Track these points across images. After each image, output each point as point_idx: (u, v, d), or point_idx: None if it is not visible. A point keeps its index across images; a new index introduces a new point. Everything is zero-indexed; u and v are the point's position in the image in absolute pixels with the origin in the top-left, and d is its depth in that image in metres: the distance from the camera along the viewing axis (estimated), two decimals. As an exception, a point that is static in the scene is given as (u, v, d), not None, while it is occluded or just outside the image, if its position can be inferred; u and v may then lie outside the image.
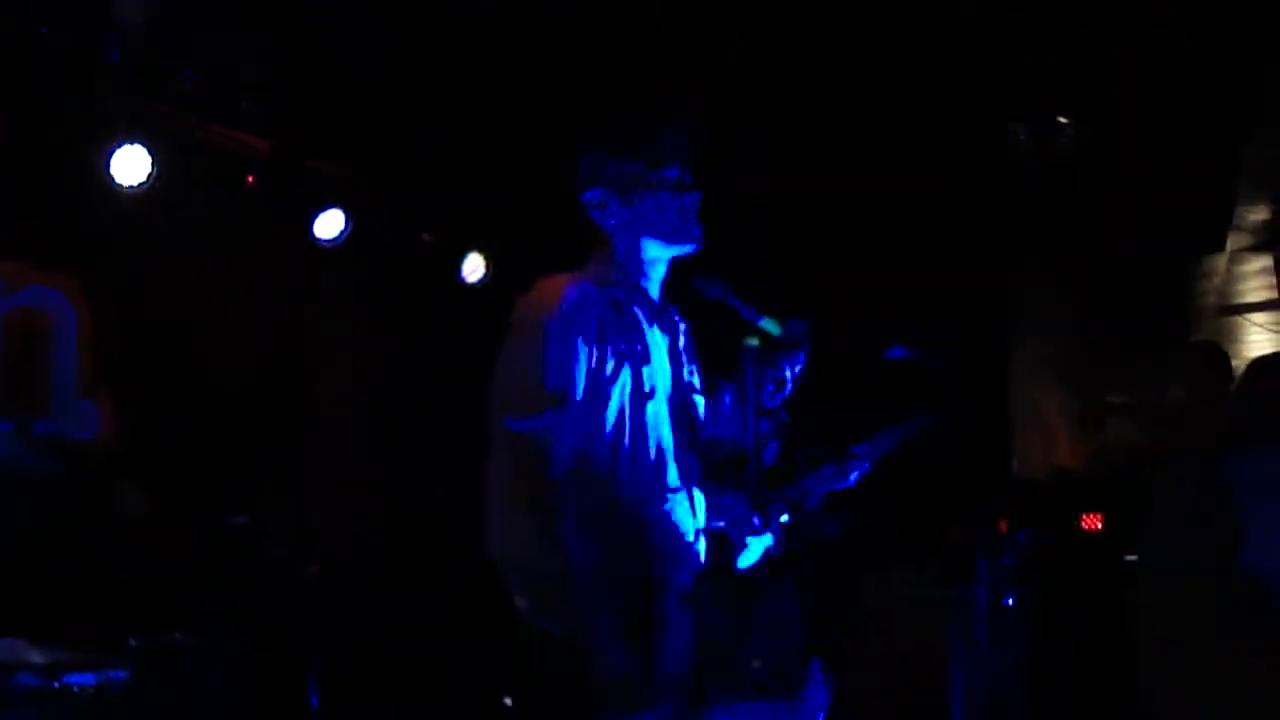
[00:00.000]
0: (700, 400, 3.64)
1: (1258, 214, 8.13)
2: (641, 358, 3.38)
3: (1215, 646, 5.11)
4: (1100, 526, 7.16)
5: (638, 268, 3.52)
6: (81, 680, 5.32)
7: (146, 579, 5.84)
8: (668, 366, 3.49)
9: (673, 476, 3.43)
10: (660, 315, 3.54)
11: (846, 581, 7.04)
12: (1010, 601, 6.09)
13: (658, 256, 3.52)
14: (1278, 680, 4.92)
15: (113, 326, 6.65)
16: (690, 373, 3.60)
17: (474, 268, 7.86)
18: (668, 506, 3.39)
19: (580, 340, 3.28)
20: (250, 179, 6.89)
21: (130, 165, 6.24)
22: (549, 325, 3.28)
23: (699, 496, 3.53)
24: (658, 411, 3.40)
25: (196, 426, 6.71)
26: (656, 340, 3.47)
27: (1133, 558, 6.41)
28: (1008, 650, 6.13)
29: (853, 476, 5.34)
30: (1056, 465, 8.11)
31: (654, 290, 3.55)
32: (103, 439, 6.56)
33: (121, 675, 5.39)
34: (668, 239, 3.48)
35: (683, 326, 3.63)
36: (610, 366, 3.33)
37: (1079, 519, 7.22)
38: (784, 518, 4.79)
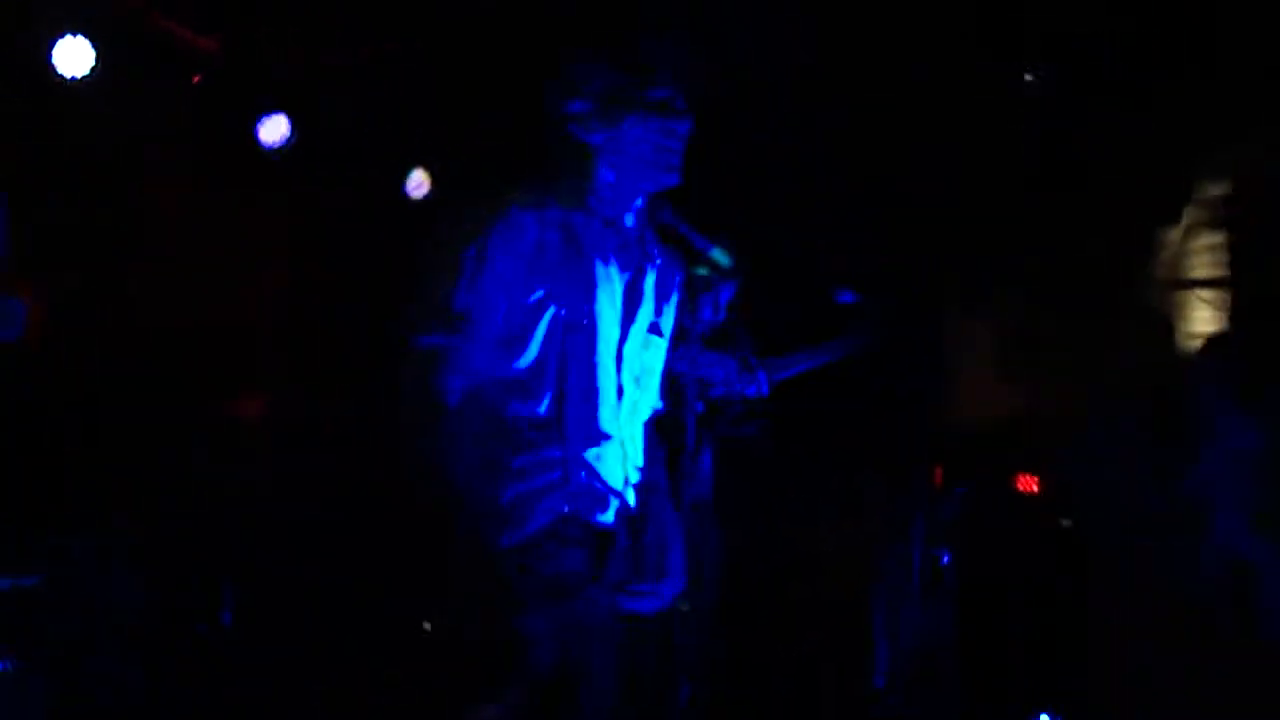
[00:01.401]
0: (661, 340, 3.51)
1: (1214, 189, 8.09)
2: (583, 291, 3.23)
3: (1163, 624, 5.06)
4: (1036, 489, 7.13)
5: (611, 194, 3.36)
6: (-9, 584, 5.24)
7: (62, 483, 5.69)
8: (618, 303, 3.35)
9: (606, 421, 3.30)
10: (627, 248, 3.39)
11: (774, 523, 7.00)
12: (946, 559, 6.03)
13: (634, 186, 3.37)
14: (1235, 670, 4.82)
15: (43, 223, 6.46)
16: (657, 311, 3.47)
17: (418, 183, 7.72)
18: (595, 453, 3.27)
19: (505, 263, 3.15)
20: (196, 78, 6.72)
21: (73, 56, 6.08)
22: (474, 243, 3.16)
23: (637, 444, 3.42)
24: (597, 350, 3.27)
25: (122, 328, 6.56)
26: (610, 275, 3.33)
27: (1068, 522, 6.38)
28: (938, 608, 6.08)
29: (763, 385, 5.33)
30: (992, 424, 8.07)
31: (628, 220, 3.40)
32: (27, 339, 6.39)
33: (32, 581, 5.28)
34: (647, 168, 3.33)
35: (659, 261, 3.48)
36: (539, 295, 3.20)
37: (1014, 479, 7.18)
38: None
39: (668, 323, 3.50)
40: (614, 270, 3.33)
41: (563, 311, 3.20)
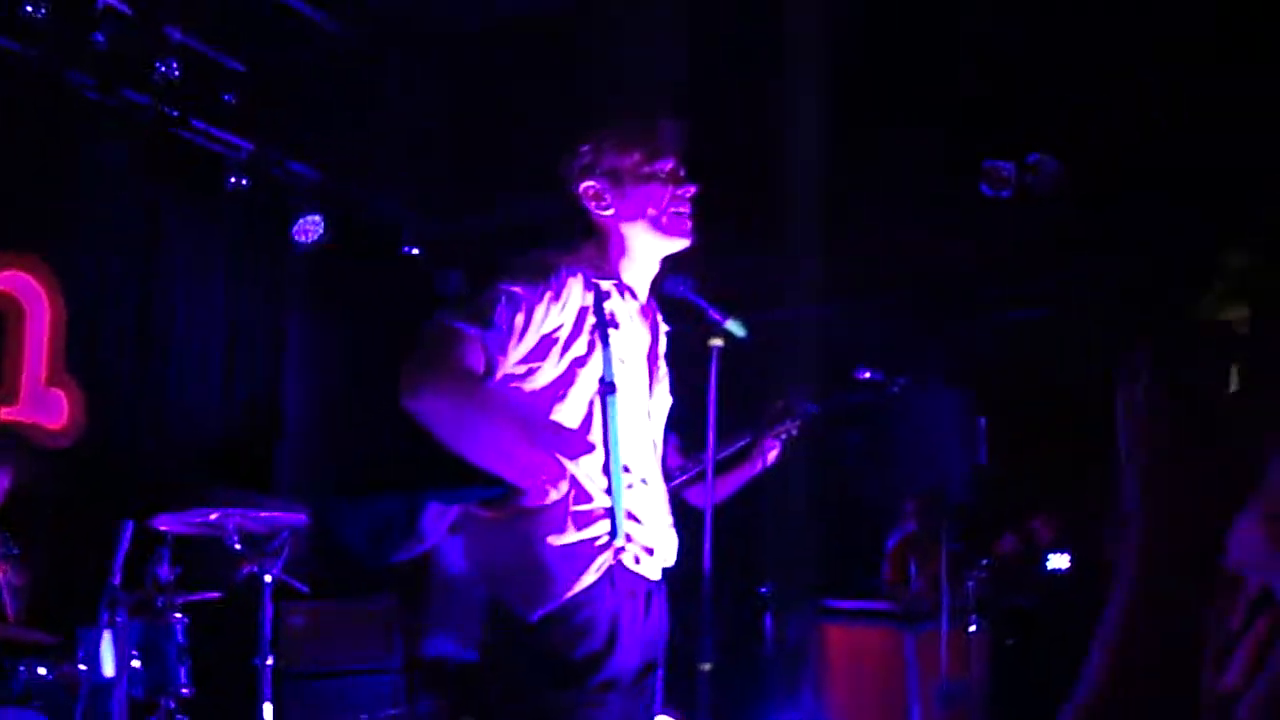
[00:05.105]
0: (666, 405, 3.63)
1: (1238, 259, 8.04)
2: (615, 350, 3.37)
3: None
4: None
5: (629, 261, 3.52)
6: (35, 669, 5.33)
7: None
8: (644, 365, 3.49)
9: (641, 469, 3.41)
10: (645, 314, 3.54)
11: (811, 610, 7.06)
12: (973, 628, 6.07)
13: (649, 251, 3.52)
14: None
15: (84, 317, 6.63)
16: (666, 376, 3.60)
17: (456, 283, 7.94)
18: (637, 500, 3.37)
19: (549, 301, 3.28)
20: (231, 179, 6.91)
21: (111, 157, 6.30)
22: (524, 281, 3.28)
23: (663, 492, 3.52)
24: (627, 407, 3.39)
25: (160, 422, 6.72)
26: (636, 337, 3.47)
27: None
28: (970, 677, 6.10)
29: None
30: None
31: (642, 289, 3.56)
32: (69, 429, 6.53)
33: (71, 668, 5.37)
34: (661, 230, 3.48)
35: (666, 330, 3.63)
36: (584, 344, 3.33)
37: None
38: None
39: (667, 387, 3.62)
40: (638, 334, 3.46)
41: (600, 369, 3.32)
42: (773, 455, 5.35)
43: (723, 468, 5.18)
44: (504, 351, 3.23)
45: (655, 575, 3.43)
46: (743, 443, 5.35)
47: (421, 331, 3.26)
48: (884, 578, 7.52)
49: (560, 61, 6.45)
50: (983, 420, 7.28)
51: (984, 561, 6.21)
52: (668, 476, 3.76)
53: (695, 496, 5.32)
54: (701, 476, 5.26)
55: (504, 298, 3.24)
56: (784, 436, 5.40)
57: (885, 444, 7.75)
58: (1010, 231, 7.44)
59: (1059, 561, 7.14)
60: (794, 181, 7.08)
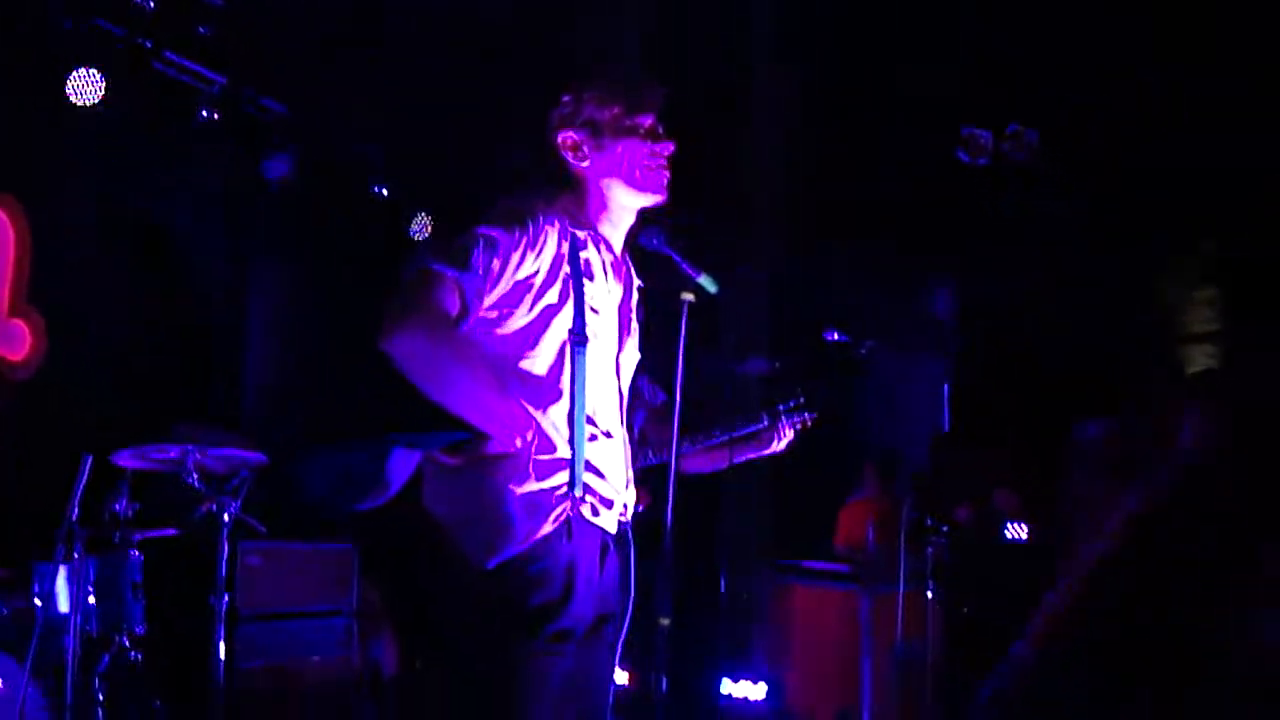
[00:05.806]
0: (635, 360, 3.64)
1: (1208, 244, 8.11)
2: (588, 301, 3.37)
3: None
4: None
5: (604, 214, 3.53)
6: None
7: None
8: (615, 318, 3.49)
9: (605, 422, 3.42)
10: (618, 267, 3.55)
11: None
12: (930, 594, 6.11)
13: (625, 204, 3.55)
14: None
15: (47, 248, 6.57)
16: (638, 329, 3.62)
17: (423, 225, 7.90)
18: (599, 452, 3.38)
19: (525, 247, 3.28)
20: (203, 112, 6.85)
21: (84, 87, 6.21)
22: (501, 227, 3.28)
23: (625, 446, 3.53)
24: (596, 358, 3.39)
25: (123, 355, 6.67)
26: (609, 290, 3.47)
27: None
28: (925, 641, 6.15)
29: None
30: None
31: (617, 241, 3.57)
32: (30, 361, 6.48)
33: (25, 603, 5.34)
34: (636, 185, 3.52)
35: (638, 284, 3.64)
36: (556, 293, 3.33)
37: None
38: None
39: (635, 341, 3.64)
40: (612, 285, 3.47)
41: (572, 318, 3.34)
42: (784, 443, 5.38)
43: (731, 445, 5.24)
44: (480, 296, 3.25)
45: (612, 528, 3.45)
46: (758, 427, 5.40)
47: (400, 274, 3.25)
48: (838, 539, 7.58)
49: (540, 10, 6.43)
50: (946, 386, 7.31)
51: (943, 528, 6.25)
52: (645, 442, 3.77)
53: (690, 465, 5.38)
54: (699, 453, 5.33)
55: (481, 242, 3.25)
56: (798, 426, 5.44)
57: (848, 406, 7.80)
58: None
59: (1018, 532, 7.20)
60: (776, 148, 7.10)
